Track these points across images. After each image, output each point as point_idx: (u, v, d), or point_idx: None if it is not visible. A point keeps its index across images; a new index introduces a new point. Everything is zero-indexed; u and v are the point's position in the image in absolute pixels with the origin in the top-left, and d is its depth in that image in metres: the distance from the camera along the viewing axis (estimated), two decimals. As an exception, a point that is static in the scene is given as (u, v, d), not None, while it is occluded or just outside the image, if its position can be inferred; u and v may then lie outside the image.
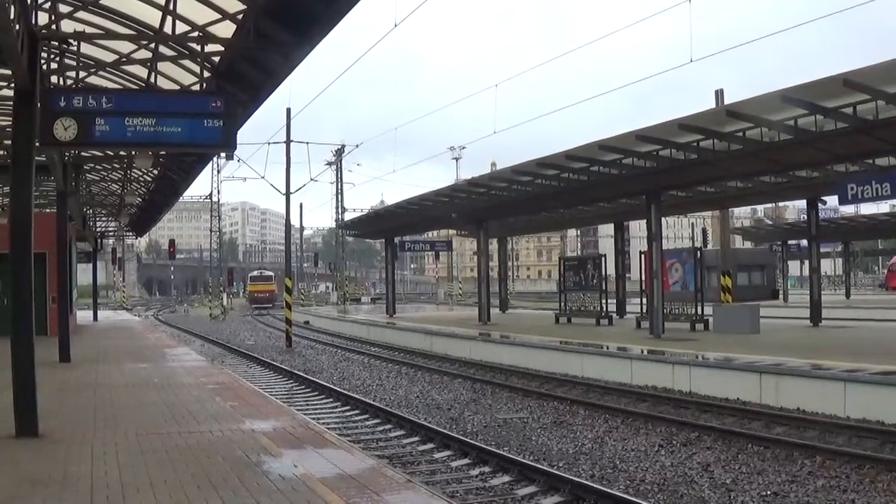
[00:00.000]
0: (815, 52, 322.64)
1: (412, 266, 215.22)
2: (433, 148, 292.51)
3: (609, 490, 12.11)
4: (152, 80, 17.78)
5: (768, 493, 12.31)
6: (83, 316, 50.86)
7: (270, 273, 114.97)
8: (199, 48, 15.58)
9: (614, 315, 40.91)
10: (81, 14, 15.38)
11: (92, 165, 31.41)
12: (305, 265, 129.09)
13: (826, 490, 12.37)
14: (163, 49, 16.65)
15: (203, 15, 14.50)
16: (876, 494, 12.07)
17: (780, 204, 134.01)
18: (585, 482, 12.60)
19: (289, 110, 44.06)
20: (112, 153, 26.93)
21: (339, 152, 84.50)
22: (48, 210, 36.30)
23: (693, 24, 27.54)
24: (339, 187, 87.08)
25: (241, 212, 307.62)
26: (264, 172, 53.04)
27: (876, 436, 15.68)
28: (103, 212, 50.55)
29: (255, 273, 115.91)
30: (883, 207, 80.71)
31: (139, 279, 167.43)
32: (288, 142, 43.72)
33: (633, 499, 11.66)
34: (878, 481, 12.74)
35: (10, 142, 16.78)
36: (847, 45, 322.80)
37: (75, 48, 16.67)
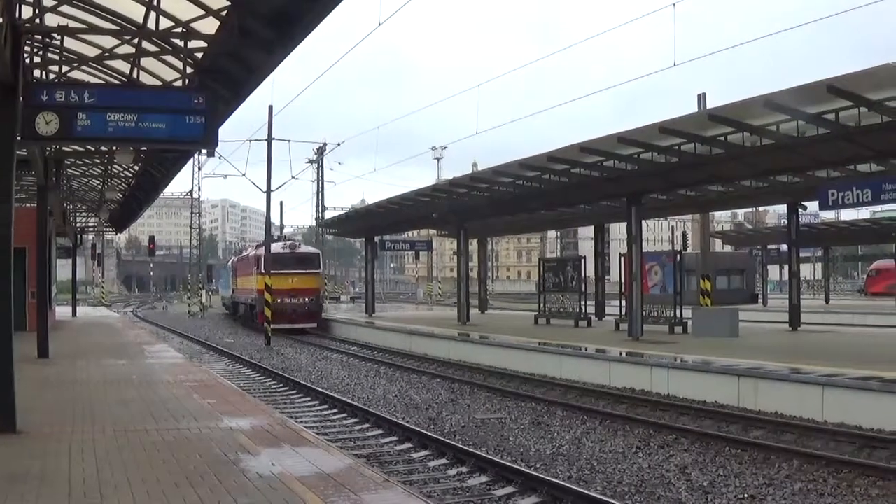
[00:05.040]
0: (798, 57, 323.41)
1: (392, 265, 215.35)
2: (415, 148, 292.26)
3: (586, 491, 12.14)
4: (135, 75, 17.76)
5: (745, 495, 12.36)
6: (62, 312, 50.69)
7: (314, 250, 58.08)
8: (182, 44, 15.54)
9: (593, 317, 41.02)
10: (65, 8, 15.35)
11: (73, 160, 31.35)
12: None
13: (803, 493, 12.42)
14: (146, 44, 16.59)
15: (187, 11, 14.49)
16: (853, 499, 12.13)
17: (761, 208, 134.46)
18: (563, 483, 12.63)
19: (271, 108, 44.01)
20: (93, 148, 26.82)
21: (321, 151, 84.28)
22: (28, 205, 36.19)
23: (676, 28, 27.56)
24: (320, 186, 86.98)
25: (222, 209, 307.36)
26: (245, 170, 53.06)
27: (854, 440, 15.77)
28: (83, 207, 50.42)
29: (280, 247, 53.07)
30: (863, 213, 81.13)
31: (118, 275, 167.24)
32: (269, 139, 43.74)
33: (611, 500, 11.70)
34: (855, 485, 12.80)
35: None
36: (831, 52, 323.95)
37: (58, 42, 16.64)
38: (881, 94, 18.93)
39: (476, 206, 38.17)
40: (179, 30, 14.93)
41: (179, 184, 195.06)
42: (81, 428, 12.95)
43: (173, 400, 16.29)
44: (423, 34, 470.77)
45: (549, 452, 15.72)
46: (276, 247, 51.19)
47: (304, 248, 56.29)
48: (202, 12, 14.38)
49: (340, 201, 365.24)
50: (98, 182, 38.70)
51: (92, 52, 17.53)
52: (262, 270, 46.78)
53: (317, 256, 54.69)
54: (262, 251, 50.10)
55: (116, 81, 19.18)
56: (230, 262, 75.24)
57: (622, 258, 34.78)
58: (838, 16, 21.14)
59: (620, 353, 25.24)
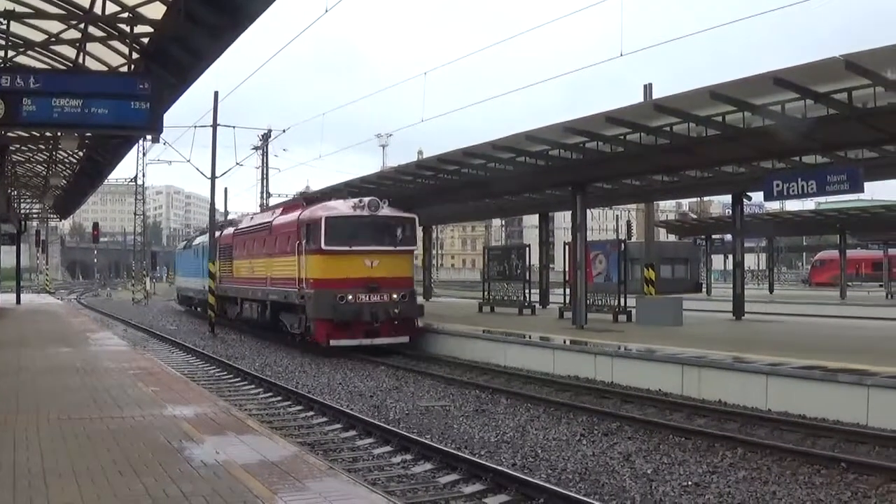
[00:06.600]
0: (746, 51, 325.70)
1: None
2: (361, 135, 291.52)
3: (530, 478, 12.21)
4: (81, 60, 17.67)
5: (689, 483, 12.48)
6: (6, 299, 50.23)
7: (406, 213, 32.06)
8: (128, 29, 15.48)
9: (538, 305, 41.16)
10: (11, -8, 15.24)
11: (17, 146, 31.05)
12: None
13: (747, 481, 12.55)
14: (92, 29, 16.52)
15: (133, -4, 14.44)
16: (797, 487, 12.25)
17: (706, 198, 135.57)
18: (507, 470, 12.70)
19: (216, 94, 43.57)
20: (38, 134, 26.61)
21: (266, 137, 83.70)
22: (-28, 191, 35.83)
23: (624, 18, 27.63)
24: (265, 172, 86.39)
25: (166, 195, 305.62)
26: (190, 156, 51.97)
27: (798, 429, 15.96)
28: (28, 193, 50.04)
29: (349, 208, 30.84)
30: (808, 204, 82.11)
31: (63, 262, 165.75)
32: (214, 125, 43.31)
33: (555, 487, 11.76)
34: (799, 474, 12.94)
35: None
36: (778, 45, 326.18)
37: (4, 27, 16.49)
38: (828, 87, 19.09)
39: (422, 194, 38.15)
40: (126, 14, 14.87)
41: (124, 170, 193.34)
42: (26, 416, 12.83)
43: (117, 388, 16.16)
44: (370, 22, 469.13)
45: (494, 440, 15.79)
46: (339, 206, 31.95)
47: (389, 210, 31.70)
48: (149, -3, 14.33)
49: (285, 188, 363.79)
50: (43, 168, 38.41)
51: (38, 36, 17.42)
52: (324, 246, 29.74)
53: (412, 223, 32.31)
54: (318, 212, 31.34)
55: (62, 67, 19.05)
56: (217, 237, 46.00)
57: (567, 247, 34.94)
58: (785, 9, 21.19)
59: (564, 342, 25.36)
